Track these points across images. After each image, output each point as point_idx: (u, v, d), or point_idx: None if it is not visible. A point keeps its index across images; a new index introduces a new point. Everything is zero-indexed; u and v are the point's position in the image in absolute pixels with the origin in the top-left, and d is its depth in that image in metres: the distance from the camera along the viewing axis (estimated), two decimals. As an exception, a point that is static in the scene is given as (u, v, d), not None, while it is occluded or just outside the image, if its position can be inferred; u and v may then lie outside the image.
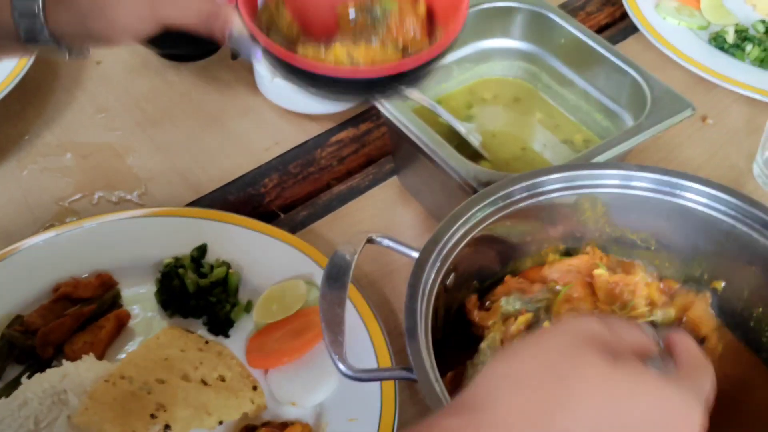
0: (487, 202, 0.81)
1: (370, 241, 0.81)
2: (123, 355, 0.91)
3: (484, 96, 1.12)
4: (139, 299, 0.96)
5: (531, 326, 0.82)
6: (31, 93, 1.23)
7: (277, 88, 1.18)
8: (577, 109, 1.08)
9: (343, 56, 0.72)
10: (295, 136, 1.18)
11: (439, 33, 0.78)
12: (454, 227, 0.79)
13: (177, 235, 0.99)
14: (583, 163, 0.89)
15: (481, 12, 1.08)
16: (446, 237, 0.78)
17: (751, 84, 1.19)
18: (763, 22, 1.31)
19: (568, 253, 0.89)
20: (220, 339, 0.92)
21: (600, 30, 1.36)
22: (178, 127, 1.20)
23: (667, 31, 1.28)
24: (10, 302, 0.93)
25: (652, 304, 0.86)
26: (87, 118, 1.22)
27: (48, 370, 0.85)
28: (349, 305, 0.87)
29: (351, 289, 0.89)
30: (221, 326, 0.92)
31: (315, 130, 1.19)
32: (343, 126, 1.19)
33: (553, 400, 0.50)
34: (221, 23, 0.73)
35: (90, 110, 1.23)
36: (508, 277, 0.87)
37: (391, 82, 0.73)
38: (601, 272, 0.86)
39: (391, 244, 0.82)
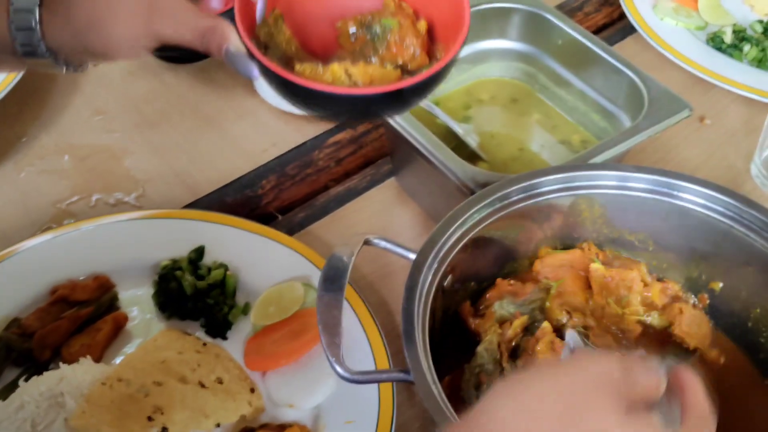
0: (484, 203, 0.81)
1: (367, 242, 0.81)
2: (120, 358, 0.91)
3: (481, 97, 1.12)
4: (137, 301, 0.96)
5: (527, 328, 0.82)
6: (29, 95, 1.23)
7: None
8: (574, 109, 1.08)
9: (341, 74, 0.72)
10: (292, 138, 1.18)
11: (439, 50, 0.77)
12: (452, 228, 0.79)
13: (174, 237, 0.99)
14: (581, 164, 0.89)
15: (478, 13, 1.08)
16: (444, 238, 0.78)
17: (748, 84, 1.19)
18: (760, 22, 1.31)
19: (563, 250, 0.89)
20: (218, 341, 0.92)
21: (598, 31, 1.36)
22: (175, 129, 1.20)
23: (664, 31, 1.28)
24: (7, 305, 0.93)
25: (650, 306, 0.86)
26: (84, 121, 1.21)
27: (45, 373, 0.85)
28: (346, 307, 0.87)
29: (348, 291, 0.89)
30: (219, 328, 0.92)
31: (312, 131, 1.19)
32: (340, 127, 1.19)
33: None
34: (218, 39, 0.72)
35: (87, 112, 1.22)
36: (499, 280, 0.86)
37: (389, 101, 0.72)
38: (597, 266, 0.86)
39: (389, 245, 0.81)
